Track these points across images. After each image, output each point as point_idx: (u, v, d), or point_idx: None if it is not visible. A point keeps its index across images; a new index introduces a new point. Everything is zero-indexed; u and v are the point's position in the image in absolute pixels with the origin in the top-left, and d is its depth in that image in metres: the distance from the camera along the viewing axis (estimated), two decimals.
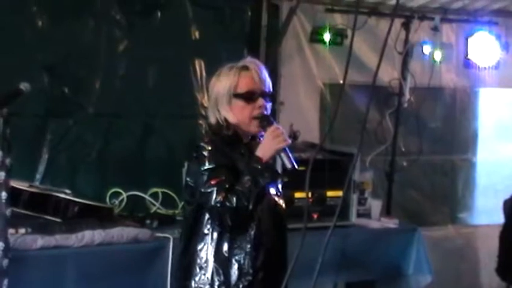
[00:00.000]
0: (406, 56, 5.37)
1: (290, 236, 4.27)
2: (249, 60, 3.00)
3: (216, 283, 2.87)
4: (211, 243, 2.88)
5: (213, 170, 2.80)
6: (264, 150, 2.79)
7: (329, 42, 5.21)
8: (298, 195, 4.52)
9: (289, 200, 4.46)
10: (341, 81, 5.41)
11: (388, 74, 5.40)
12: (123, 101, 4.83)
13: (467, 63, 5.64)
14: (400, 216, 5.11)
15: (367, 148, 5.26)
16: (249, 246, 2.87)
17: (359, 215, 4.79)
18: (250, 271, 2.88)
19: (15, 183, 3.65)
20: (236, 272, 2.86)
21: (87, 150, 4.73)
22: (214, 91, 2.96)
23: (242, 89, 2.90)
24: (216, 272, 2.87)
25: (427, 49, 5.40)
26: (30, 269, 3.54)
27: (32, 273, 3.55)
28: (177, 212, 4.54)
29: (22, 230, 3.63)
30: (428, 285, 4.81)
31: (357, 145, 4.17)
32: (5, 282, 3.15)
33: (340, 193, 4.59)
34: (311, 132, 5.28)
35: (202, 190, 2.80)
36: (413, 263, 4.78)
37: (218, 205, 2.76)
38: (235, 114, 2.90)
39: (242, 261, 2.87)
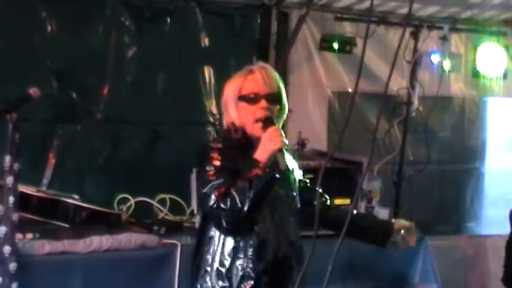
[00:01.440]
0: (415, 65, 5.36)
1: None
2: (257, 65, 3.03)
3: (218, 287, 2.87)
4: (216, 247, 2.89)
5: (215, 171, 2.82)
6: (261, 152, 2.79)
7: (338, 50, 5.21)
8: None
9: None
10: (350, 90, 5.41)
11: (397, 83, 5.39)
12: (131, 107, 4.84)
13: (475, 73, 5.63)
14: None
15: (375, 157, 5.24)
16: (251, 250, 2.86)
17: None
18: (252, 275, 2.87)
19: (22, 188, 3.66)
20: (238, 277, 2.85)
21: (95, 156, 4.73)
22: (224, 95, 3.01)
23: (246, 91, 2.93)
24: (219, 275, 2.87)
25: (435, 58, 5.39)
26: (37, 274, 3.53)
27: (39, 279, 3.54)
28: (184, 218, 4.53)
29: (30, 235, 3.63)
30: None
31: (366, 154, 4.18)
32: (14, 286, 3.15)
33: (347, 201, 4.57)
34: (319, 141, 5.28)
35: (203, 191, 2.82)
36: (420, 272, 4.76)
37: (214, 207, 2.77)
38: (241, 116, 2.93)
39: (245, 265, 2.86)
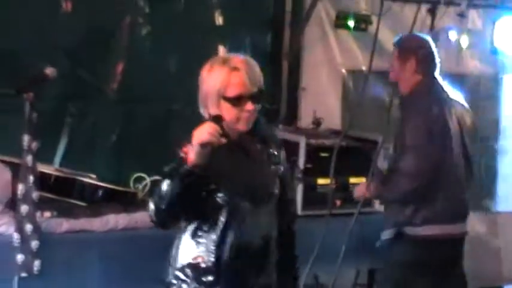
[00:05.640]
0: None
1: (314, 222, 4.28)
2: (240, 59, 2.90)
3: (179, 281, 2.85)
4: (180, 240, 2.86)
5: (174, 167, 2.77)
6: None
7: (353, 28, 5.18)
8: (321, 181, 4.51)
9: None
10: (364, 68, 5.37)
11: None
12: (144, 85, 4.82)
13: (493, 50, 5.58)
14: None
15: (390, 134, 5.22)
16: (212, 244, 2.82)
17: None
18: (213, 269, 2.82)
19: (39, 167, 3.65)
20: (200, 270, 2.82)
21: (108, 135, 4.73)
22: (204, 87, 2.86)
23: (231, 92, 2.80)
24: (181, 269, 2.84)
25: (453, 35, 5.34)
26: (57, 252, 3.55)
27: (59, 256, 3.56)
28: None
29: (48, 214, 3.63)
30: None
31: (381, 132, 4.16)
32: (36, 263, 3.17)
33: (363, 180, 4.56)
34: (333, 119, 5.27)
35: None
36: None
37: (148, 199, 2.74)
38: (223, 114, 2.85)
39: (206, 259, 2.81)
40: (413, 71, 3.89)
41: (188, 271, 2.80)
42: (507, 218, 5.99)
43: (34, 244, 3.16)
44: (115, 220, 3.81)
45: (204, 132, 2.62)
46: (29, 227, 3.13)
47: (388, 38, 5.17)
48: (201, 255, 2.78)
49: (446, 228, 3.89)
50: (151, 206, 2.67)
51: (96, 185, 4.00)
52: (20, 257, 3.16)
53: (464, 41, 5.36)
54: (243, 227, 2.80)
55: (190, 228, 2.80)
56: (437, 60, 3.92)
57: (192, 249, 2.80)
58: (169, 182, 2.60)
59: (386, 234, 3.76)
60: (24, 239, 3.15)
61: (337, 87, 5.48)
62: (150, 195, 2.71)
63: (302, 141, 4.61)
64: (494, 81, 5.95)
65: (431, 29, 5.22)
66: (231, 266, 2.78)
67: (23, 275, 3.18)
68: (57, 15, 4.53)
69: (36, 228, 3.19)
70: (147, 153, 4.78)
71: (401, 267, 3.82)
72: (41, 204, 3.44)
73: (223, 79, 2.78)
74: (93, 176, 4.16)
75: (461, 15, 5.22)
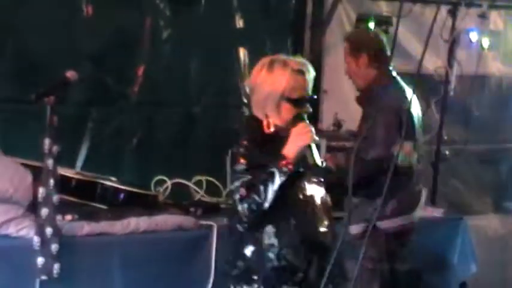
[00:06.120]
0: (453, 44, 5.28)
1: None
2: (302, 62, 2.96)
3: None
4: (262, 245, 2.87)
5: (244, 169, 2.80)
6: (289, 148, 2.77)
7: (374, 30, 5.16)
8: None
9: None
10: None
11: (433, 62, 5.32)
12: (165, 89, 4.85)
13: None
14: (443, 205, 5.06)
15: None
16: (295, 241, 2.85)
17: None
18: (302, 268, 2.85)
19: (60, 170, 3.67)
20: (288, 271, 2.85)
21: (130, 138, 4.75)
22: (265, 88, 2.89)
23: (295, 94, 2.88)
24: (267, 276, 2.85)
25: (474, 36, 5.31)
26: (77, 255, 3.56)
27: (79, 259, 3.57)
28: (221, 199, 4.54)
29: (69, 217, 3.65)
30: (473, 274, 4.76)
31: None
32: (56, 266, 3.20)
33: None
34: (354, 121, 5.22)
35: (231, 187, 2.84)
36: (459, 253, 4.73)
37: (239, 201, 2.77)
38: (282, 115, 2.88)
39: (291, 259, 2.84)
40: (367, 66, 3.92)
41: (277, 274, 2.83)
42: None
43: (54, 247, 3.18)
44: (136, 223, 3.81)
45: (308, 134, 2.70)
46: (49, 230, 3.16)
47: (409, 40, 5.17)
48: (285, 254, 2.82)
49: (409, 217, 3.97)
50: (246, 208, 2.77)
51: (118, 188, 4.00)
52: (40, 260, 3.18)
53: (486, 42, 5.33)
54: (314, 221, 2.86)
55: (269, 229, 2.83)
56: (389, 53, 3.95)
57: (275, 251, 2.83)
58: (272, 182, 2.72)
59: (355, 229, 3.76)
60: (44, 242, 3.17)
61: None
62: (241, 200, 2.79)
63: (322, 143, 4.60)
64: None
65: (452, 30, 5.20)
66: (315, 261, 2.85)
67: (43, 278, 3.20)
68: (78, 20, 4.56)
69: (56, 231, 3.21)
70: (169, 156, 4.80)
71: (373, 261, 3.85)
72: (62, 208, 3.46)
73: (289, 81, 2.84)
74: (114, 179, 4.17)
75: (483, 17, 5.19)
